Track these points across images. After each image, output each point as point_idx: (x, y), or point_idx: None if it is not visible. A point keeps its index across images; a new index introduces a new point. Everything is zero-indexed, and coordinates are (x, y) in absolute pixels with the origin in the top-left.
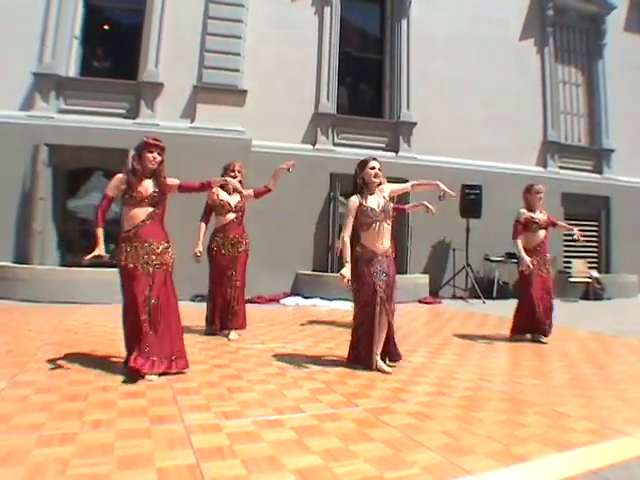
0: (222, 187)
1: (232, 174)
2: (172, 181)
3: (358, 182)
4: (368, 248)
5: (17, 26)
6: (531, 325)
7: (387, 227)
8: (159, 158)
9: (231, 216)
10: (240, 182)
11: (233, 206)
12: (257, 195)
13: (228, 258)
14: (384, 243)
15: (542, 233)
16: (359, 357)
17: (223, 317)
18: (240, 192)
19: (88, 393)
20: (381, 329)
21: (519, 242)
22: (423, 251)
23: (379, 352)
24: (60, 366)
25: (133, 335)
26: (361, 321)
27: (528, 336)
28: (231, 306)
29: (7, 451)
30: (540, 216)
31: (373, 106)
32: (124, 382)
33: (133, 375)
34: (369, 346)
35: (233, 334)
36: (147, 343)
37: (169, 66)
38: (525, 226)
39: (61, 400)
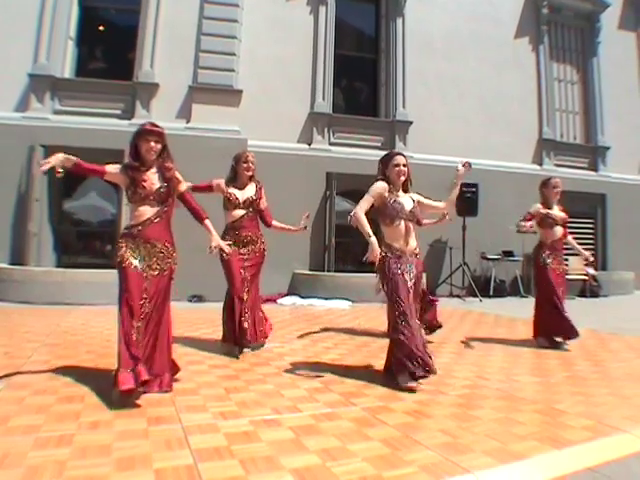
0: (230, 183)
1: (245, 165)
2: (181, 179)
3: (384, 179)
4: (394, 246)
5: (12, 27)
6: (556, 324)
7: (412, 227)
8: (158, 146)
9: (240, 212)
10: (253, 174)
11: (242, 201)
12: (262, 214)
13: (242, 260)
14: (410, 242)
15: (559, 230)
16: (403, 369)
17: (242, 330)
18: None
19: (85, 394)
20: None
21: (524, 224)
22: (420, 249)
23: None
24: (57, 368)
25: (123, 343)
26: (398, 327)
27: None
28: (243, 317)
29: (4, 453)
30: (557, 213)
31: (369, 105)
32: (116, 405)
33: (126, 396)
34: (411, 349)
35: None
36: (139, 356)
37: (165, 66)
38: (540, 222)
39: (58, 402)
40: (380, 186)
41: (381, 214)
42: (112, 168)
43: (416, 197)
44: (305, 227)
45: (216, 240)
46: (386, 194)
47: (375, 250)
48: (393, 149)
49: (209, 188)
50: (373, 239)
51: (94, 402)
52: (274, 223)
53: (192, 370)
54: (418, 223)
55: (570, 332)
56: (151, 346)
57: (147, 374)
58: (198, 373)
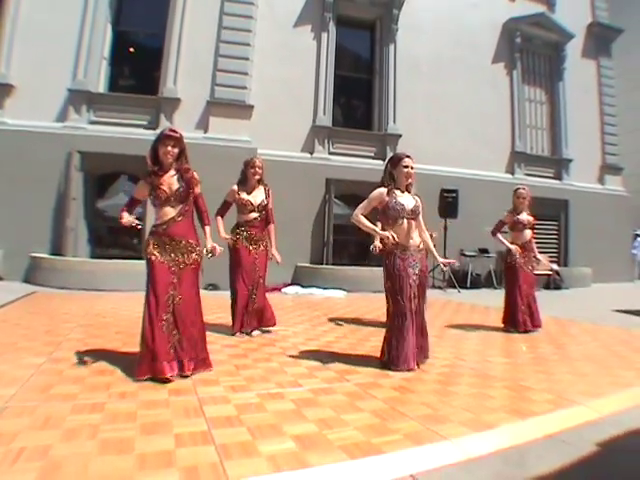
0: (240, 185)
1: (252, 170)
2: (199, 180)
3: (386, 178)
4: (399, 242)
5: (54, 48)
6: (517, 317)
7: (414, 224)
8: (176, 150)
9: (254, 215)
10: (261, 178)
11: (255, 205)
12: (267, 213)
13: (253, 254)
14: (414, 238)
15: (528, 233)
16: (394, 358)
17: (249, 316)
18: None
19: (114, 368)
20: (416, 327)
21: (499, 236)
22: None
23: (415, 352)
24: (90, 345)
25: (153, 336)
26: (396, 320)
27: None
28: (254, 304)
29: (47, 417)
30: (525, 217)
31: (364, 120)
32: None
33: (158, 380)
34: (402, 346)
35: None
36: (169, 345)
37: (186, 84)
38: (512, 226)
39: (91, 374)
40: (379, 192)
41: (384, 216)
42: (138, 192)
43: (418, 200)
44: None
45: (211, 243)
46: (386, 197)
47: (382, 234)
48: (384, 159)
49: (228, 205)
50: (378, 231)
51: (122, 375)
52: (270, 227)
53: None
54: None
55: (532, 326)
56: (189, 335)
57: (170, 370)
58: (212, 352)
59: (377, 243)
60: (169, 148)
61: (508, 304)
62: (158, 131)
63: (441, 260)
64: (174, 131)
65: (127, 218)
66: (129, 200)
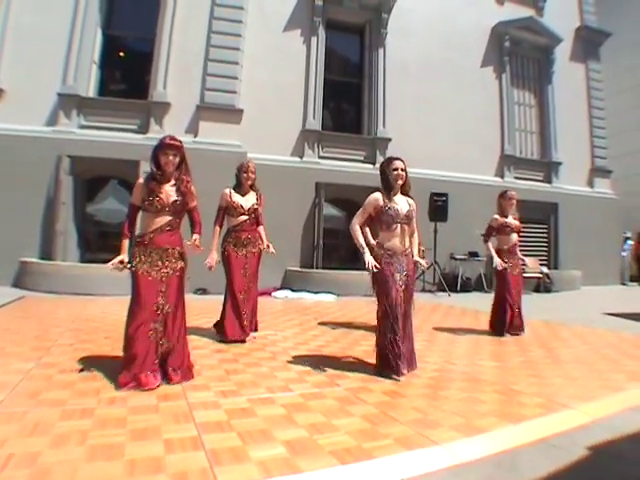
0: (235, 189)
1: (245, 175)
2: (195, 196)
3: (384, 182)
4: (387, 247)
5: (44, 52)
6: (507, 322)
7: (407, 229)
8: (177, 160)
9: (243, 218)
10: (253, 183)
11: (246, 208)
12: (257, 217)
13: (242, 258)
14: (404, 242)
15: (515, 237)
16: (387, 364)
17: (242, 322)
18: (258, 198)
19: (103, 374)
20: (406, 332)
21: (489, 245)
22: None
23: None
24: (80, 350)
25: (139, 346)
26: (386, 325)
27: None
28: (247, 308)
29: (35, 423)
30: (513, 221)
31: (353, 124)
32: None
33: (142, 388)
34: (397, 351)
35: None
36: (156, 355)
37: (176, 88)
38: (499, 230)
39: (81, 380)
40: (373, 198)
41: (378, 220)
42: (135, 198)
43: (412, 204)
44: (268, 247)
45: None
46: (380, 203)
47: (369, 262)
48: (374, 162)
49: (224, 210)
50: (367, 252)
51: (112, 381)
52: (260, 228)
53: (196, 354)
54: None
55: (517, 329)
56: (174, 341)
57: (154, 380)
58: (201, 357)
59: (369, 260)
60: (170, 158)
61: (497, 308)
62: (148, 135)
63: (417, 258)
64: (175, 139)
65: (117, 260)
66: (130, 210)
